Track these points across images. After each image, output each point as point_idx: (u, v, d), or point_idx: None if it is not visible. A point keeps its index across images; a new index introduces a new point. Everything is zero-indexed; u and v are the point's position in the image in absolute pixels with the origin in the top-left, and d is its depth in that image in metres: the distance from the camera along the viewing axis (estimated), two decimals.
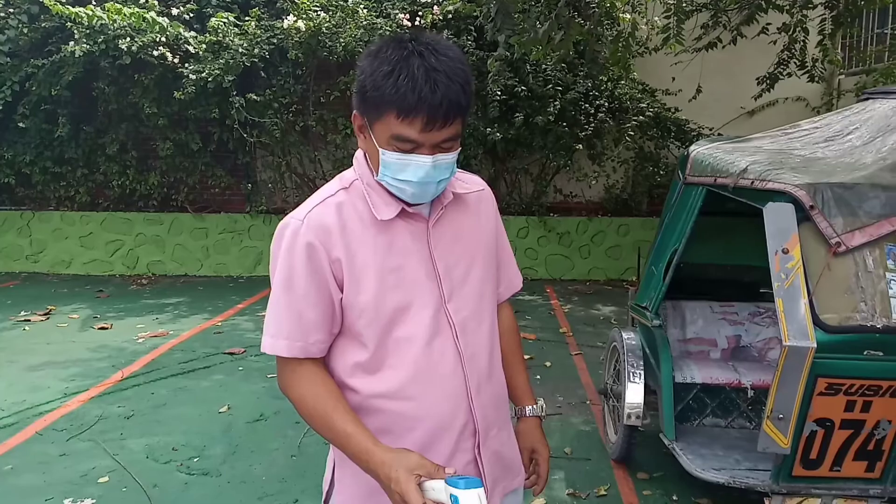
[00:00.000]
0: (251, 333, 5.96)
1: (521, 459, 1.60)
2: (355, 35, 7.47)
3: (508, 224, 8.20)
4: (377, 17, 7.72)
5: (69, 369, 5.05)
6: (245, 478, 3.46)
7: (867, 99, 3.36)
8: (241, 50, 7.45)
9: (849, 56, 8.80)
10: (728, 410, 3.32)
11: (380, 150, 1.29)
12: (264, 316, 1.38)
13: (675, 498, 3.24)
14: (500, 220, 1.58)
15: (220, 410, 4.31)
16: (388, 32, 7.53)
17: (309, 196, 1.41)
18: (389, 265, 1.34)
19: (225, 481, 3.43)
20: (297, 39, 7.54)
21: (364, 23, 7.55)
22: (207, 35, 7.60)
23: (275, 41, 7.66)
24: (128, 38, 7.29)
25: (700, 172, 3.19)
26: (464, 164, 7.36)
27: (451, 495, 1.21)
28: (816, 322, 2.30)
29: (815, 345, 2.25)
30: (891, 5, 7.20)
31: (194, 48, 7.55)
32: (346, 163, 7.86)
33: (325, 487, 1.48)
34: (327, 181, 1.45)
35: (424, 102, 1.21)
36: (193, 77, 7.36)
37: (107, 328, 6.17)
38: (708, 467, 2.83)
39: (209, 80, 7.32)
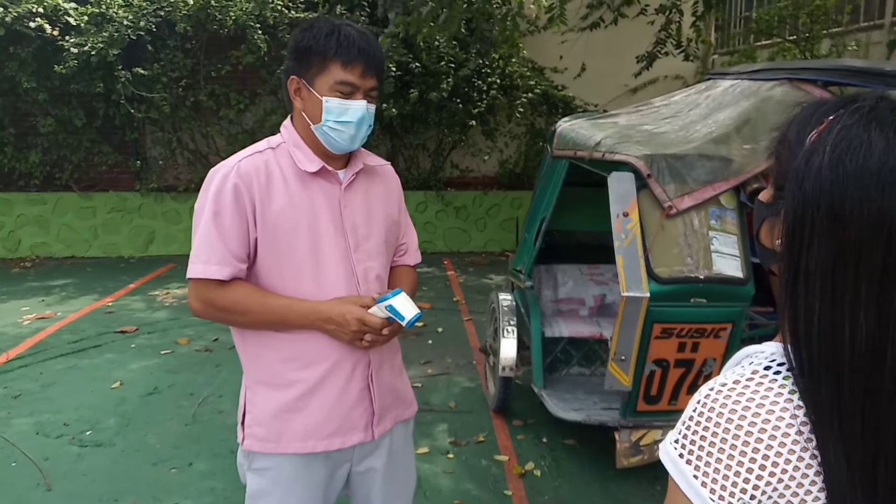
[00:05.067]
0: (143, 312, 5.89)
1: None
2: (246, 8, 7.39)
3: (407, 199, 8.30)
4: None
5: None
6: (139, 447, 3.54)
7: (710, 79, 3.77)
8: (125, 22, 7.22)
9: (721, 37, 9.49)
10: (591, 360, 3.68)
11: (322, 98, 1.55)
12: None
13: (544, 440, 3.58)
14: (402, 198, 1.85)
15: (113, 386, 4.32)
16: (279, 7, 7.50)
17: (202, 172, 1.60)
18: (303, 216, 1.58)
19: (119, 451, 3.49)
20: (185, 12, 7.38)
21: None
22: (89, 6, 7.32)
23: (162, 14, 7.46)
24: (0, 9, 6.92)
25: (564, 146, 3.50)
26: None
27: (387, 307, 1.55)
28: (651, 275, 2.64)
29: (649, 294, 2.59)
30: None
31: (75, 20, 7.26)
32: (240, 138, 7.82)
33: (240, 413, 1.68)
34: (221, 158, 1.69)
35: (363, 52, 1.55)
36: (75, 50, 7.09)
37: None
38: (568, 408, 3.17)
39: (92, 53, 7.08)
